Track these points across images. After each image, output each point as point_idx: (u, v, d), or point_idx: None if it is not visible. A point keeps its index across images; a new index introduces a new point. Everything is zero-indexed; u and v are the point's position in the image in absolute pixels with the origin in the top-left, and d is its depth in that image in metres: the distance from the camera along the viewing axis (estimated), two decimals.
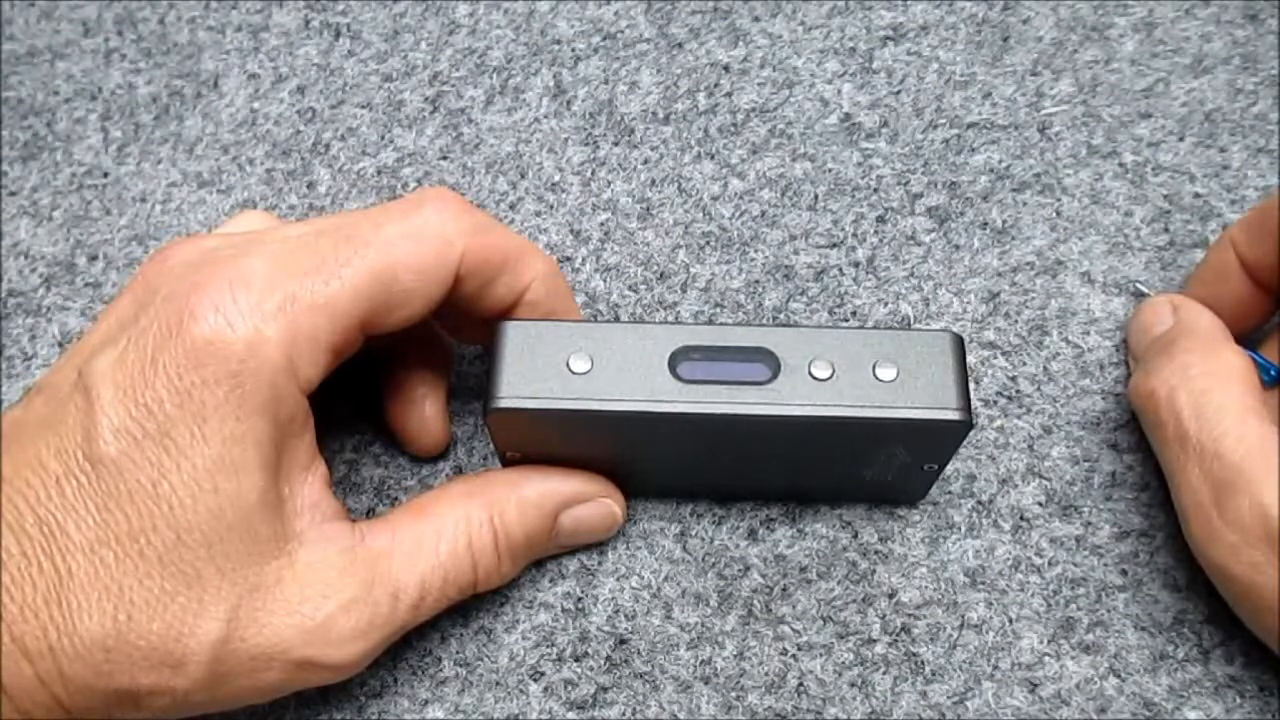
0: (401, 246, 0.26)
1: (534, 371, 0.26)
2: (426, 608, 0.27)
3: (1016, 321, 0.34)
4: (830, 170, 0.37)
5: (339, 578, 0.25)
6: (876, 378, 0.26)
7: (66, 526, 0.23)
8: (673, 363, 0.26)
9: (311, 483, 0.26)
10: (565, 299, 0.29)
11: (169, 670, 0.23)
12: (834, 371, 0.26)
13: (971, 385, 0.33)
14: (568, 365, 0.26)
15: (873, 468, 0.28)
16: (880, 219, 0.36)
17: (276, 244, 0.25)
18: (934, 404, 0.25)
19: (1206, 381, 0.28)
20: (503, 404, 0.26)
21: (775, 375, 0.26)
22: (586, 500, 0.30)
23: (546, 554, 0.31)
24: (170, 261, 0.26)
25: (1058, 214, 0.36)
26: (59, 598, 0.23)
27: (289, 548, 0.25)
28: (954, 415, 0.25)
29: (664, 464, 0.30)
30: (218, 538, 0.24)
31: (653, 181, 0.37)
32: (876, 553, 0.31)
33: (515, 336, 0.26)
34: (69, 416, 0.24)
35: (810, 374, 0.26)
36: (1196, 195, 0.36)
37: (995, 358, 0.34)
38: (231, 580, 0.24)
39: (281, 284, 0.24)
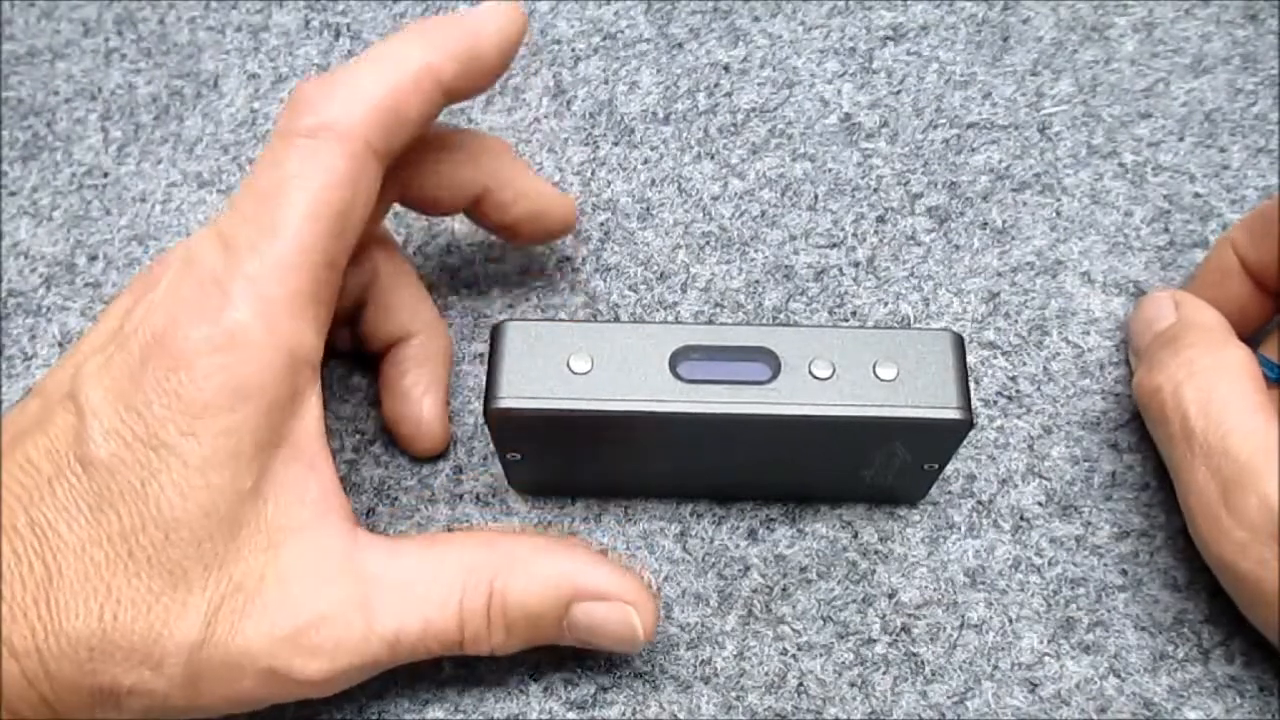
0: (311, 186, 0.25)
1: (534, 371, 0.26)
2: (405, 650, 0.26)
3: (1016, 321, 0.34)
4: (830, 170, 0.37)
5: (320, 587, 0.25)
6: (877, 377, 0.26)
7: (58, 526, 0.23)
8: (673, 362, 0.26)
9: (316, 478, 0.26)
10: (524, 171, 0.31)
11: (148, 671, 0.23)
12: (834, 371, 0.26)
13: (971, 385, 0.33)
14: (568, 365, 0.26)
15: (873, 467, 0.28)
16: (880, 219, 0.36)
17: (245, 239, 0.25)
18: (934, 403, 0.25)
19: (1212, 377, 0.27)
20: (503, 404, 0.26)
21: (776, 375, 0.26)
22: (606, 598, 0.26)
23: (563, 642, 0.28)
24: (161, 266, 0.26)
25: (1058, 214, 0.36)
26: (47, 597, 0.23)
27: (277, 539, 0.25)
28: (954, 414, 0.25)
29: (664, 463, 0.29)
30: (206, 534, 0.24)
31: (653, 181, 0.37)
32: (876, 553, 0.31)
33: (515, 336, 0.26)
34: (59, 419, 0.24)
35: (811, 373, 0.26)
36: (1196, 195, 0.36)
37: (995, 358, 0.34)
38: (216, 579, 0.24)
39: (240, 267, 0.24)
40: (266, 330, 0.24)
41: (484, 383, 0.26)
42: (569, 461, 0.29)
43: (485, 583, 0.26)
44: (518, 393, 0.26)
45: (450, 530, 0.32)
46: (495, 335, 0.26)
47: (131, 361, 0.24)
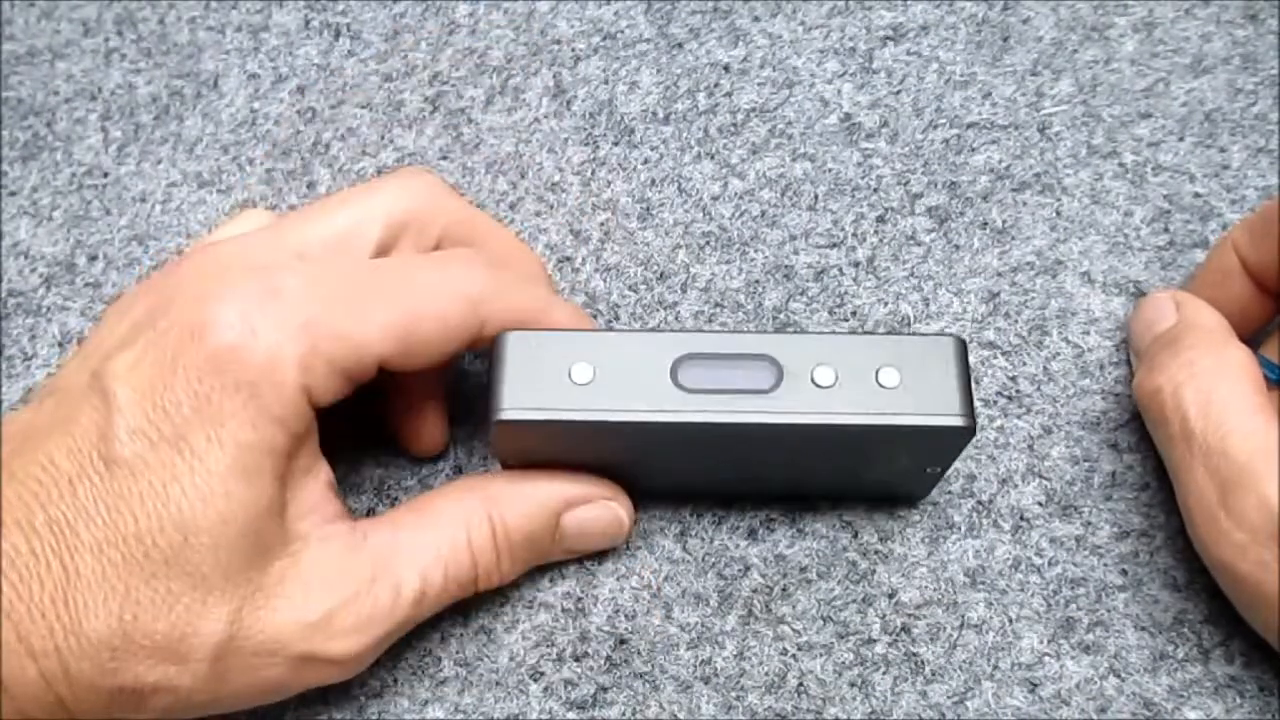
0: (431, 299, 0.26)
1: (536, 382, 0.26)
2: (428, 604, 0.27)
3: (1016, 321, 0.34)
4: (830, 170, 0.37)
5: (340, 575, 0.26)
6: (879, 384, 0.26)
7: (76, 526, 0.23)
8: (675, 371, 0.26)
9: (315, 485, 0.26)
10: None
11: (174, 668, 0.24)
12: (837, 378, 0.26)
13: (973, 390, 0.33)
14: (570, 375, 0.26)
15: (875, 471, 0.28)
16: (880, 219, 0.36)
17: (310, 267, 0.26)
18: (937, 410, 0.25)
19: (1212, 378, 0.27)
20: (506, 416, 0.26)
21: (778, 383, 0.26)
22: (590, 502, 0.29)
23: (552, 558, 0.30)
24: (189, 268, 0.26)
25: (1058, 214, 0.36)
26: (66, 597, 0.23)
27: (293, 549, 0.25)
28: (958, 421, 0.25)
29: (667, 471, 0.30)
30: (225, 541, 0.24)
31: (653, 181, 0.37)
32: (876, 553, 0.31)
33: (517, 347, 0.26)
34: (83, 417, 0.24)
35: (813, 381, 0.26)
36: (1196, 195, 0.36)
37: (995, 358, 0.34)
38: (235, 582, 0.24)
39: (310, 305, 0.25)
40: (301, 369, 0.24)
41: (485, 383, 0.26)
42: (571, 469, 0.29)
43: (485, 519, 0.28)
44: (520, 404, 0.26)
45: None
46: (497, 346, 0.26)
47: (164, 360, 0.24)
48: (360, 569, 0.26)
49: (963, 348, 0.26)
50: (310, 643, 0.25)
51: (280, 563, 0.25)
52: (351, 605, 0.26)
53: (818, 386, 0.26)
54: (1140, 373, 0.30)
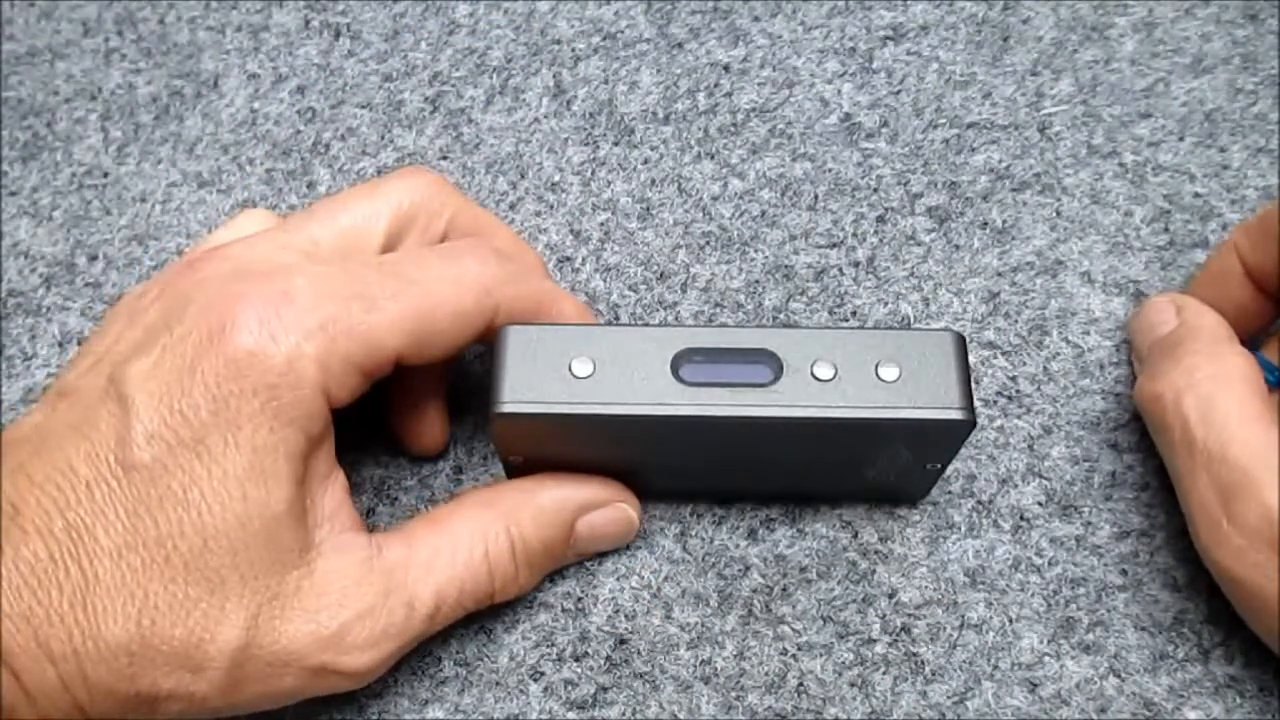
0: (444, 290, 0.26)
1: (536, 376, 0.26)
2: (442, 618, 0.27)
3: (1016, 321, 0.34)
4: (830, 170, 0.37)
5: (355, 588, 0.26)
6: (879, 378, 0.26)
7: (95, 531, 0.23)
8: (675, 365, 0.26)
9: (331, 493, 0.26)
10: None
11: (189, 675, 0.24)
12: (836, 372, 0.26)
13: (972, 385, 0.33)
14: (570, 369, 0.26)
15: (875, 467, 0.28)
16: (880, 219, 0.36)
17: (321, 267, 0.26)
18: (937, 404, 0.25)
19: (1213, 385, 0.27)
20: (506, 409, 0.26)
21: (778, 377, 0.26)
22: (602, 506, 0.30)
23: (566, 563, 0.31)
24: (202, 272, 0.26)
25: (1058, 214, 0.36)
26: (84, 602, 0.23)
27: (309, 557, 0.25)
28: (957, 415, 0.25)
29: (667, 466, 0.30)
30: (243, 545, 0.24)
31: (653, 181, 0.37)
32: (876, 553, 0.31)
33: (517, 341, 0.26)
34: (101, 422, 0.24)
35: (813, 375, 0.26)
36: (1196, 195, 0.36)
37: (995, 358, 0.34)
38: (253, 588, 0.24)
39: (324, 305, 0.25)
40: (319, 369, 0.25)
41: (485, 384, 0.26)
42: (571, 464, 0.29)
43: (503, 532, 0.28)
44: (520, 397, 0.26)
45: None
46: (498, 340, 0.26)
47: (182, 366, 0.24)
48: (375, 583, 0.26)
49: (961, 342, 0.26)
50: (325, 656, 0.25)
51: (298, 571, 0.25)
52: (366, 620, 0.26)
53: (817, 380, 0.26)
54: (1141, 378, 0.30)
